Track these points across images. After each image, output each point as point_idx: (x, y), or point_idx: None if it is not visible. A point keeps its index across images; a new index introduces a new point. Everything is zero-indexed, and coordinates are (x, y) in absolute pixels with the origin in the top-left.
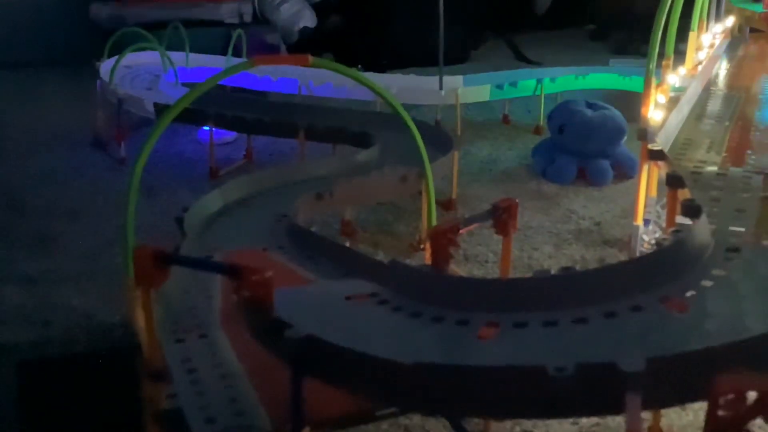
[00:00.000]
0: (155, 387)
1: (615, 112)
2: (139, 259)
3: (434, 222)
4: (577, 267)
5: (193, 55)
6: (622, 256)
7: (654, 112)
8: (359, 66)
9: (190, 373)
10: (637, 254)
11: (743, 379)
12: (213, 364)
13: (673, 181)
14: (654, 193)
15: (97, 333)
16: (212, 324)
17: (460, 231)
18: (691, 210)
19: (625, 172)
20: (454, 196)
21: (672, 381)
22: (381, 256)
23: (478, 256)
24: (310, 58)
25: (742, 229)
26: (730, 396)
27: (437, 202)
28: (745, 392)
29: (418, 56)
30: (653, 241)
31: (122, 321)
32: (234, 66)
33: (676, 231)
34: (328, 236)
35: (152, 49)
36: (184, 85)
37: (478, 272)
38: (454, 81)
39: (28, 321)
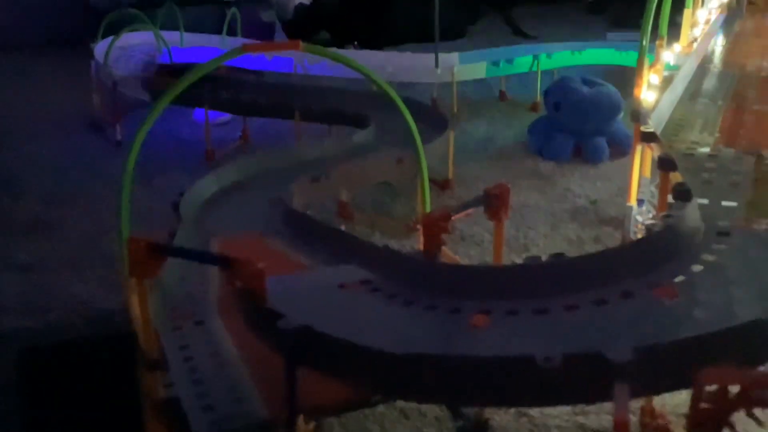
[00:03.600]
0: (152, 377)
1: (611, 89)
2: (133, 250)
3: (428, 204)
4: (573, 246)
5: (187, 35)
6: (618, 235)
7: (647, 93)
8: (355, 43)
9: (188, 361)
10: (631, 235)
11: (725, 373)
12: (210, 352)
13: (665, 165)
14: (648, 173)
15: (96, 319)
16: (209, 310)
17: (452, 218)
18: (682, 194)
19: (622, 149)
20: (450, 177)
21: (660, 369)
22: (377, 238)
23: (474, 236)
24: (302, 44)
25: (733, 213)
26: (713, 389)
27: (434, 183)
28: (727, 385)
29: (415, 32)
30: (646, 223)
31: (121, 307)
32: (224, 54)
33: (667, 216)
34: (325, 218)
35: (147, 29)
36: (178, 65)
37: (473, 252)
38: (450, 58)
39: (28, 308)
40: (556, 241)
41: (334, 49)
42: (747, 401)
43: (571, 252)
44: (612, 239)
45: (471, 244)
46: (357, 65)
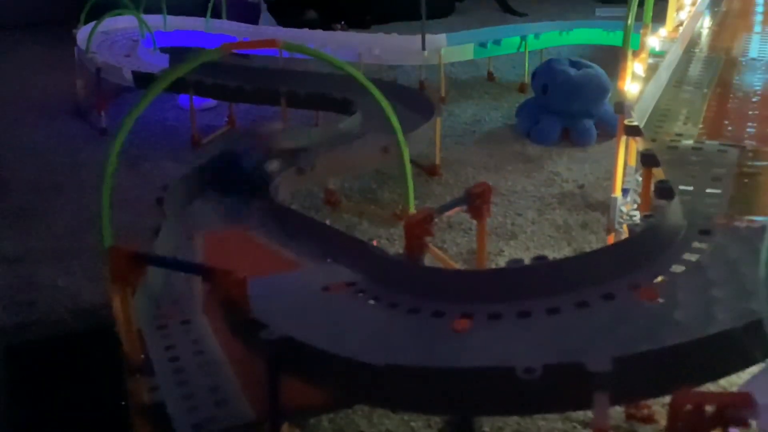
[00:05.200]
0: (136, 381)
1: (598, 71)
2: (114, 260)
3: (412, 198)
4: (561, 232)
5: (170, 18)
6: (605, 220)
7: (631, 85)
8: (342, 22)
9: (173, 362)
10: (616, 225)
11: (701, 394)
12: (195, 352)
13: (648, 161)
14: (633, 161)
15: (83, 313)
16: (194, 309)
17: (435, 219)
18: (664, 192)
19: (609, 131)
20: (437, 162)
21: (639, 378)
22: (365, 226)
23: (462, 224)
24: (280, 42)
25: (715, 210)
26: (689, 408)
27: (422, 168)
28: (703, 406)
29: (403, 11)
30: (630, 215)
31: (107, 301)
32: (203, 53)
33: (648, 216)
34: (312, 206)
35: (130, 13)
36: (162, 50)
37: (461, 240)
38: (437, 40)
39: (13, 302)
40: (543, 227)
41: (318, 31)
42: (723, 421)
43: (559, 238)
44: (599, 225)
45: (459, 231)
46: (336, 61)
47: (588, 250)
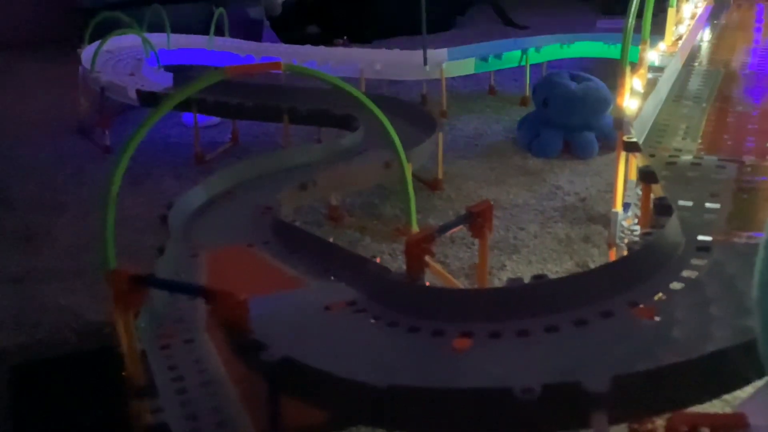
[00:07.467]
0: (139, 404)
1: (599, 84)
2: (115, 283)
3: (414, 213)
4: (563, 245)
5: (174, 36)
6: (607, 233)
7: (630, 101)
8: (345, 37)
9: (175, 382)
10: (617, 240)
11: (697, 415)
12: (198, 371)
13: (646, 177)
14: (633, 176)
15: (87, 333)
16: (198, 327)
17: (436, 239)
18: (663, 209)
19: (611, 143)
20: (440, 177)
21: (637, 396)
22: (367, 242)
23: (464, 238)
24: (283, 64)
25: (714, 227)
26: (685, 430)
27: (424, 183)
28: (698, 427)
29: (404, 25)
30: (632, 229)
31: (111, 320)
32: (206, 76)
33: (647, 233)
34: (315, 221)
35: (133, 32)
36: (166, 68)
37: (464, 255)
38: (438, 55)
39: (17, 323)
40: (545, 240)
41: (320, 47)
42: None
43: (561, 251)
44: (601, 238)
45: (461, 246)
46: (336, 81)
47: (590, 263)
